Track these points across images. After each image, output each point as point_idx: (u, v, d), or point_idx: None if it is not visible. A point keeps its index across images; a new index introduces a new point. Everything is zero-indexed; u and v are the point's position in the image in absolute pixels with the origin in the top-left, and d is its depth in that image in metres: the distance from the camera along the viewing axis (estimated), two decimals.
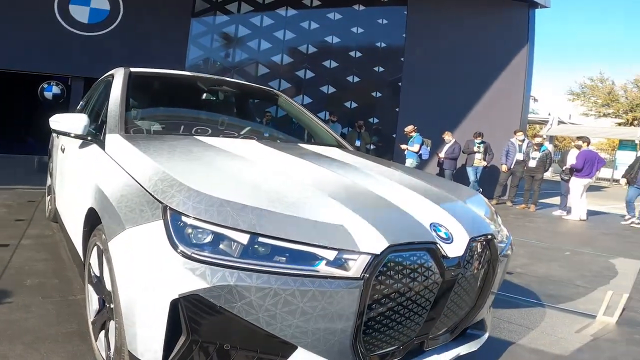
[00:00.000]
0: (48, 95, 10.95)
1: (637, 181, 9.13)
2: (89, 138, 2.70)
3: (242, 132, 3.14)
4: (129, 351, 1.73)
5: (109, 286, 1.95)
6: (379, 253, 1.65)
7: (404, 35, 12.71)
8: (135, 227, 1.72)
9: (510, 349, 2.79)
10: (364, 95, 12.51)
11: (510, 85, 13.07)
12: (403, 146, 10.45)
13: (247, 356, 1.63)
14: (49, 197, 4.82)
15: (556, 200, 11.19)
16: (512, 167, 10.67)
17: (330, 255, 1.63)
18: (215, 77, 3.78)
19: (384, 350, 1.81)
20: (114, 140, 2.47)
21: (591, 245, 6.74)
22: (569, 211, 9.76)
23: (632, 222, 9.32)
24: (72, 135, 2.73)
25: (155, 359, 1.64)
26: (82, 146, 2.88)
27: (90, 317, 2.30)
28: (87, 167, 2.60)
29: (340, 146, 3.42)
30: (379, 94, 12.74)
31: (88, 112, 3.61)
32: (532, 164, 10.33)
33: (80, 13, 9.94)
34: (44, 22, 9.65)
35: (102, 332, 2.12)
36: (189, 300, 1.56)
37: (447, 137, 10.76)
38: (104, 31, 10.15)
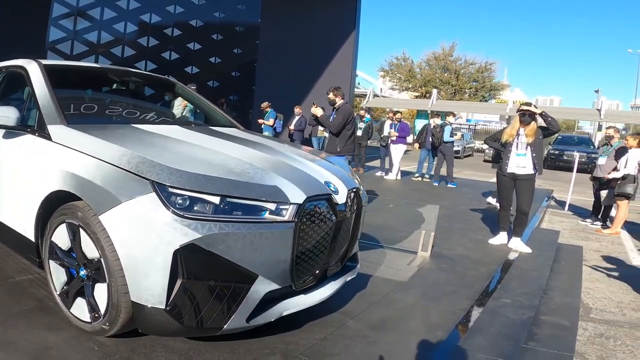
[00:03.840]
0: None
1: (427, 144, 10.41)
2: (28, 130, 2.68)
3: (164, 118, 3.38)
4: (132, 301, 2.03)
5: (93, 254, 2.15)
6: (301, 203, 2.26)
7: (259, 20, 12.97)
8: (131, 200, 2.02)
9: (371, 279, 3.58)
10: (225, 75, 12.64)
11: (342, 64, 14.18)
12: (260, 120, 10.88)
13: (225, 287, 2.09)
14: None
15: (377, 163, 12.50)
16: None
17: (272, 206, 2.19)
18: (122, 68, 3.85)
19: (305, 276, 2.40)
20: (62, 131, 2.53)
21: (405, 198, 8.14)
22: (386, 172, 11.01)
23: (420, 178, 10.71)
24: (6, 127, 2.67)
25: (160, 301, 2.00)
26: (9, 136, 2.77)
27: (57, 290, 2.40)
28: (36, 157, 2.55)
29: (234, 126, 3.75)
30: (237, 74, 12.95)
31: None
32: (359, 133, 11.42)
33: None
34: None
35: (79, 298, 2.28)
36: (186, 249, 1.96)
37: (298, 110, 11.37)
38: None
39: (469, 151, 24.14)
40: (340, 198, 2.54)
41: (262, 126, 10.90)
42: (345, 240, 2.71)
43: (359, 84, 36.27)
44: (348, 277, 2.82)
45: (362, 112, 12.30)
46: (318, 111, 5.53)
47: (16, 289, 2.80)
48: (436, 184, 10.01)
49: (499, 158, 5.42)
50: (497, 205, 6.76)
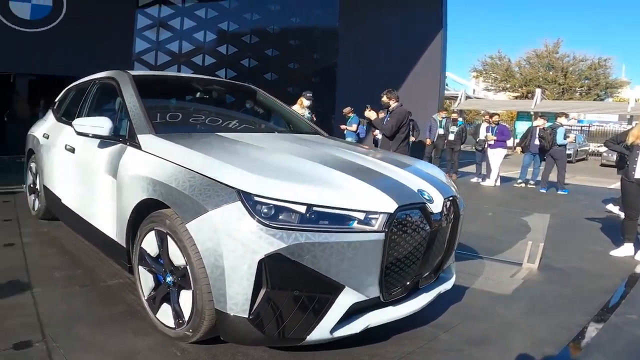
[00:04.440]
0: None
1: (531, 148, 9.88)
2: (120, 139, 2.89)
3: (247, 126, 3.51)
4: (216, 309, 2.11)
5: (179, 262, 2.25)
6: (392, 212, 2.20)
7: (337, 24, 13.16)
8: (217, 209, 2.08)
9: (468, 291, 3.43)
10: (304, 81, 12.90)
11: (429, 66, 13.90)
12: (342, 126, 10.87)
13: (310, 297, 2.09)
14: (32, 196, 4.76)
15: (472, 168, 12.06)
16: (434, 140, 11.35)
17: (361, 216, 2.15)
18: (205, 77, 4.08)
19: (395, 288, 2.34)
20: (151, 140, 2.70)
21: (506, 206, 7.72)
22: (483, 178, 10.63)
23: (523, 184, 10.14)
24: (100, 136, 2.92)
25: (243, 310, 2.05)
26: (103, 146, 3.01)
27: (145, 295, 2.55)
28: (128, 166, 2.72)
29: (317, 132, 3.82)
30: (317, 79, 13.17)
31: (85, 113, 3.74)
32: (451, 137, 11.16)
33: (21, 10, 9.50)
34: None
35: (165, 304, 2.41)
36: (271, 258, 1.99)
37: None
38: (48, 27, 9.76)
39: (583, 154, 22.45)
40: (436, 207, 2.45)
41: (345, 132, 10.92)
42: (440, 251, 2.62)
43: (447, 85, 35.24)
44: (442, 289, 2.74)
45: (454, 115, 11.89)
46: (372, 114, 5.77)
47: (108, 292, 3.02)
48: (544, 191, 9.36)
49: (623, 163, 4.97)
50: (620, 213, 6.15)
